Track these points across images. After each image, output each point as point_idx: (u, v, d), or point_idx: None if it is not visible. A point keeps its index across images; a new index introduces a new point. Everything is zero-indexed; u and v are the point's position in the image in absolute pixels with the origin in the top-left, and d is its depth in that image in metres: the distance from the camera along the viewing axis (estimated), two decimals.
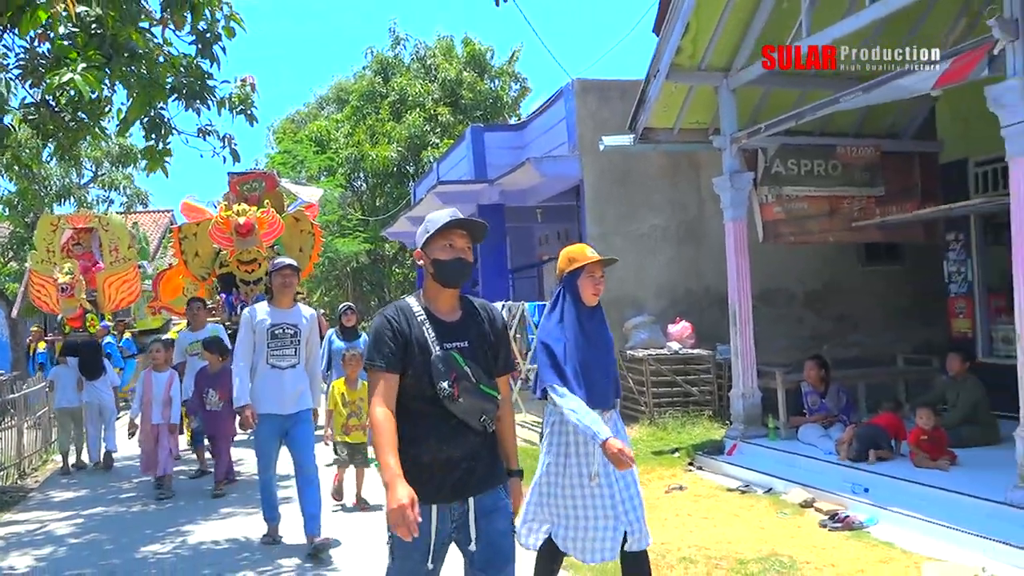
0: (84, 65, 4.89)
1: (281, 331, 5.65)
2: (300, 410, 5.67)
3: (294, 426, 5.64)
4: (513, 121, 22.79)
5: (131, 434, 8.29)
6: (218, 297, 11.79)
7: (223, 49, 6.68)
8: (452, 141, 19.38)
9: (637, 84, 8.45)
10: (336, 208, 25.62)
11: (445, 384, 2.81)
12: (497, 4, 6.62)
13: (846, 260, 11.17)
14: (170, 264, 15.61)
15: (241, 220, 10.94)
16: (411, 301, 3.01)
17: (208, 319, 10.18)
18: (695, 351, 9.91)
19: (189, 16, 6.29)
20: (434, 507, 2.85)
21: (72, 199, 20.22)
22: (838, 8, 7.19)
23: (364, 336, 9.34)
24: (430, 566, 2.85)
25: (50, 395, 10.49)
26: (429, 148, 24.10)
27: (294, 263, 5.83)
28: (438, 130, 24.60)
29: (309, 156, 25.49)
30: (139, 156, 7.05)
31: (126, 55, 5.80)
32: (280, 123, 31.65)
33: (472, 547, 2.88)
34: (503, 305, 10.05)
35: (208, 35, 6.58)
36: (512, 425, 3.14)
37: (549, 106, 12.30)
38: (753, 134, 7.91)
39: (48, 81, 4.92)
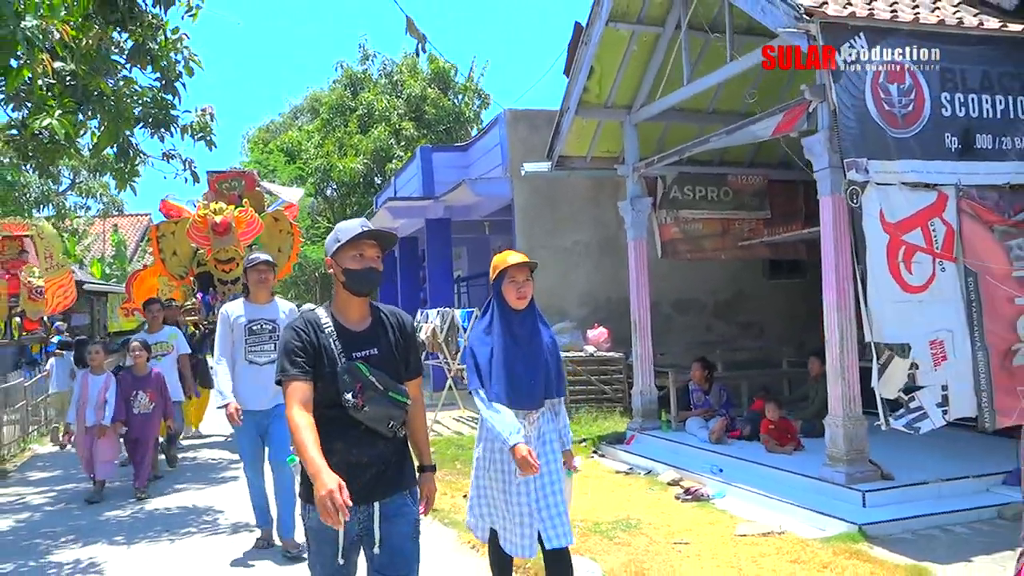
0: (60, 112, 5.97)
1: (259, 327, 5.65)
2: (278, 404, 5.44)
3: (272, 422, 5.60)
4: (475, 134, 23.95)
5: (62, 445, 9.09)
6: (195, 298, 11.81)
7: (183, 85, 7.81)
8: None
9: None
10: (306, 216, 26.61)
11: (349, 395, 2.88)
12: (417, 54, 7.79)
13: (753, 274, 12.37)
14: (144, 265, 15.86)
15: (218, 219, 10.76)
16: (320, 312, 3.07)
17: (187, 319, 10.80)
18: (609, 354, 11.07)
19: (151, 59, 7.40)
20: None
21: (51, 205, 21.05)
22: (715, 62, 8.36)
23: None
24: (340, 561, 2.94)
25: (31, 385, 11.78)
26: (394, 161, 25.05)
27: (269, 259, 5.84)
28: (402, 144, 25.66)
29: (280, 166, 26.48)
30: (112, 169, 7.99)
31: (96, 95, 6.87)
32: (255, 132, 32.63)
33: (376, 550, 2.95)
34: (437, 311, 11.15)
35: (170, 73, 7.71)
36: (423, 424, 3.28)
37: (487, 131, 13.47)
38: (650, 165, 9.08)
39: (29, 124, 5.99)
